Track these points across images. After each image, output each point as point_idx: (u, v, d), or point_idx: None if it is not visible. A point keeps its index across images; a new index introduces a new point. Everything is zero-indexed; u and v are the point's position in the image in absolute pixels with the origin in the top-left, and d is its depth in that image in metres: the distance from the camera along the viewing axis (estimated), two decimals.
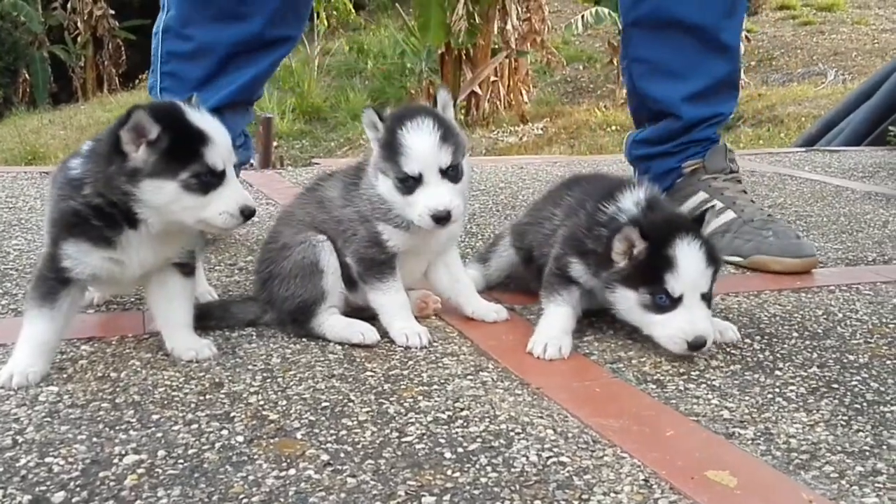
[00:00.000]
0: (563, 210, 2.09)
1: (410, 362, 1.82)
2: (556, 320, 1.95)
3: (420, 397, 1.64)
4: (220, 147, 1.66)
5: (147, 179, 1.62)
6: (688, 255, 1.80)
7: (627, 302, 1.86)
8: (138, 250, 1.70)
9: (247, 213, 1.69)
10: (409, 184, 1.85)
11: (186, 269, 1.81)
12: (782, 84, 13.68)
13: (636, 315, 1.87)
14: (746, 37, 14.99)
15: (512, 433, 1.51)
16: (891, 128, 6.16)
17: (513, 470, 1.38)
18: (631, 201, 1.93)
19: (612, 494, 1.32)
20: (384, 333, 1.93)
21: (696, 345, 1.80)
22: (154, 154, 1.61)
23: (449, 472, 1.37)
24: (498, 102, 14.25)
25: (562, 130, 12.56)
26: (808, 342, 2.00)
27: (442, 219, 1.83)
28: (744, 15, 2.97)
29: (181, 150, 1.63)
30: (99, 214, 1.66)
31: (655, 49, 2.85)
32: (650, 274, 1.81)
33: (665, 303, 1.81)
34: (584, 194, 2.06)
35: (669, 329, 1.82)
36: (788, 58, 15.61)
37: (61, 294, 1.69)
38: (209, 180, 1.65)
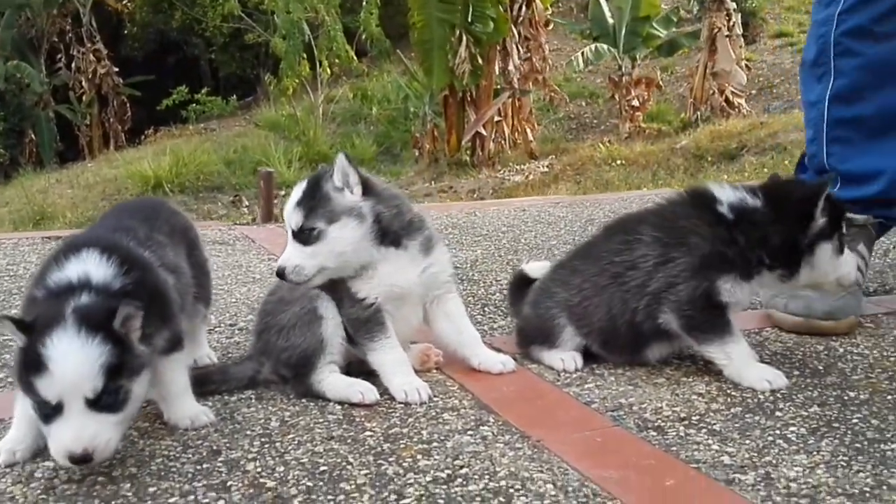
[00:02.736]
0: (643, 253, 2.03)
1: (410, 419, 1.81)
2: (748, 353, 2.00)
3: (419, 456, 1.63)
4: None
5: None
6: None
7: (827, 252, 2.02)
8: None
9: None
10: None
11: (168, 347, 1.73)
12: (784, 111, 13.65)
13: (828, 264, 2.03)
14: (747, 65, 15.06)
15: (511, 490, 1.50)
16: None
17: None
18: (732, 192, 2.05)
19: None
20: (384, 391, 1.93)
21: None
22: None
23: None
24: (503, 142, 14.30)
25: (567, 167, 12.55)
26: (808, 380, 1.99)
27: (281, 276, 1.93)
28: None
29: None
30: None
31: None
32: (836, 220, 2.02)
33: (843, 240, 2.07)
34: (664, 223, 2.05)
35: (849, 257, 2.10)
36: (789, 85, 15.64)
37: None
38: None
